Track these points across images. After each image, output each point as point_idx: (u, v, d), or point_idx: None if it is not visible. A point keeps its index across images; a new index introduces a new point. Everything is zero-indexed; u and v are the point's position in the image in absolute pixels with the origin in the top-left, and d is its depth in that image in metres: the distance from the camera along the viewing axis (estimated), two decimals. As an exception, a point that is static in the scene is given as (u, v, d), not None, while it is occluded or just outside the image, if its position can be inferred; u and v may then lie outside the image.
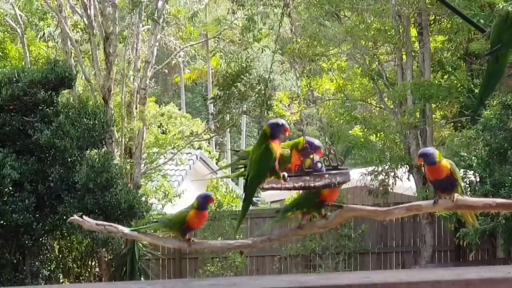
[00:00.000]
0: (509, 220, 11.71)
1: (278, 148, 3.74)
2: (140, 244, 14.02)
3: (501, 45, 3.11)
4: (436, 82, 14.82)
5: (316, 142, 3.85)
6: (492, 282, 1.67)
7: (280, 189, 3.80)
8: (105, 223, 3.99)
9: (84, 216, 3.95)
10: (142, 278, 14.23)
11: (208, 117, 23.61)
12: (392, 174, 14.51)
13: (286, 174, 3.70)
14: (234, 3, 17.13)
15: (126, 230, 4.00)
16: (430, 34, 15.21)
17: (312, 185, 3.72)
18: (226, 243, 4.28)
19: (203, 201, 3.93)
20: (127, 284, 1.91)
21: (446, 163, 3.60)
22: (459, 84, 14.92)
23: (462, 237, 12.72)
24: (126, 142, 15.86)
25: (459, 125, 14.94)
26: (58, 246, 14.50)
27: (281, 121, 3.76)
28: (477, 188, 12.63)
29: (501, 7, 11.65)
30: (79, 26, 17.92)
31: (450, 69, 15.80)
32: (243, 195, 3.89)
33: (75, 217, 3.91)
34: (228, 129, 19.30)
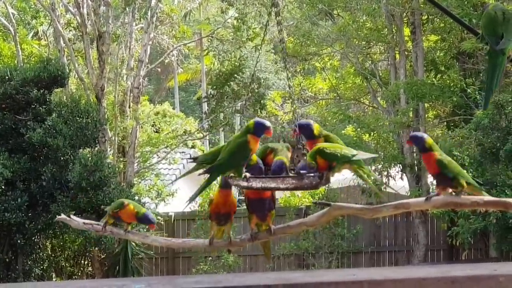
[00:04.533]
0: (500, 219, 11.73)
1: (255, 146, 3.76)
2: (133, 243, 13.98)
3: (505, 39, 3.29)
4: (429, 81, 14.84)
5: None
6: (477, 279, 1.67)
7: (247, 188, 3.81)
8: (92, 222, 4.00)
9: (71, 215, 3.95)
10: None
11: (201, 116, 23.58)
12: (385, 173, 14.52)
13: (248, 175, 3.72)
14: (224, 2, 17.05)
15: (114, 229, 4.00)
16: (423, 33, 15.23)
17: (274, 187, 3.75)
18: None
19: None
20: (111, 281, 1.91)
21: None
22: (452, 84, 14.94)
23: (454, 236, 12.74)
24: (119, 141, 15.82)
25: (452, 124, 14.96)
26: (50, 245, 14.46)
27: (268, 123, 3.80)
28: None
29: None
30: (72, 25, 17.87)
31: (443, 69, 15.82)
32: (206, 178, 3.88)
33: (63, 216, 3.92)
34: (222, 128, 19.26)
